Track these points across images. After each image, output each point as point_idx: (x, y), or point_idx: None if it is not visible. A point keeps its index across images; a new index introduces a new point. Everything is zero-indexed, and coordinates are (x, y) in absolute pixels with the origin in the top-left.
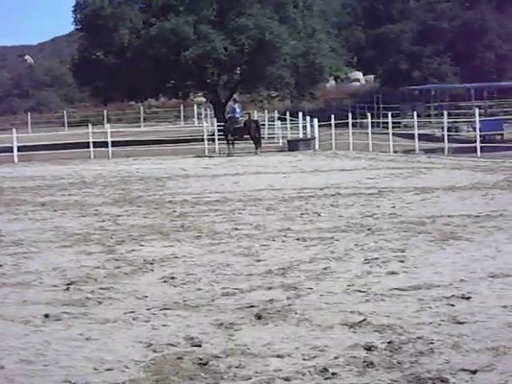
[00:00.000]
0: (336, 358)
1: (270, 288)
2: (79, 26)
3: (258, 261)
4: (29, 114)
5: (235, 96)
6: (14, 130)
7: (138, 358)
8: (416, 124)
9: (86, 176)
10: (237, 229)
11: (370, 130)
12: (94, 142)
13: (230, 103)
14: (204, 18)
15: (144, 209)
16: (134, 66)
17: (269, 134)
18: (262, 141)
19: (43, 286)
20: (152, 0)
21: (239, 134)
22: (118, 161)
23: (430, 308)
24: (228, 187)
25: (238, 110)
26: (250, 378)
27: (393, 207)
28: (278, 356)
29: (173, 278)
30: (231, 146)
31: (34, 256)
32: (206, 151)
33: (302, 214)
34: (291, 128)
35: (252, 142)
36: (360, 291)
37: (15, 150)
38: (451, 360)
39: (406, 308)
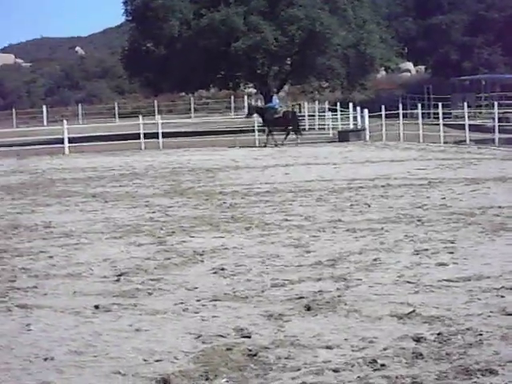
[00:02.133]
0: (385, 349)
1: (319, 279)
2: (130, 18)
3: (308, 252)
4: (80, 105)
5: (275, 89)
6: (64, 122)
7: (188, 349)
8: (466, 115)
9: (136, 167)
10: (287, 220)
11: (420, 121)
12: (144, 134)
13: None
14: (254, 9)
15: (194, 200)
16: (185, 57)
17: (319, 124)
18: (313, 131)
19: (93, 278)
20: None
21: (278, 124)
22: (168, 152)
23: (480, 299)
24: (278, 178)
25: (277, 101)
26: (299, 369)
27: (443, 198)
28: (327, 347)
29: (223, 269)
30: (270, 137)
31: (85, 247)
32: (257, 142)
33: (351, 204)
34: (342, 119)
35: (293, 132)
36: (409, 282)
37: (66, 141)
38: (500, 351)
39: (456, 299)
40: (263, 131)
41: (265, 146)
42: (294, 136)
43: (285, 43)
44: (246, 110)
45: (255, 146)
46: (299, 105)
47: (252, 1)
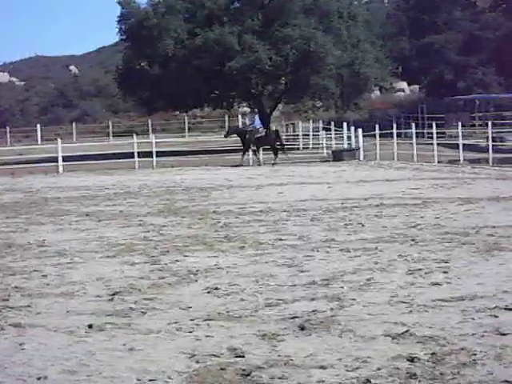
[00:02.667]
0: (379, 369)
1: (313, 299)
2: (124, 37)
3: (302, 271)
4: (74, 123)
5: (253, 107)
6: (59, 140)
7: (182, 369)
8: (460, 134)
9: (130, 186)
10: (281, 239)
11: (414, 140)
12: (138, 153)
13: (249, 115)
14: (248, 29)
15: (188, 219)
16: (179, 77)
17: (313, 144)
18: (307, 151)
19: (87, 297)
20: (196, 10)
21: (261, 143)
22: (162, 171)
23: (473, 319)
24: (272, 197)
25: (257, 121)
26: None
27: (437, 218)
28: (321, 367)
29: (216, 288)
30: (247, 156)
31: (78, 266)
32: (251, 162)
33: (346, 224)
34: (336, 138)
35: (280, 151)
36: (403, 302)
37: (60, 159)
38: (494, 371)
39: (449, 319)
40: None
41: (240, 166)
42: (276, 155)
43: (279, 63)
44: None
45: (249, 166)
46: (293, 124)
47: (246, 20)
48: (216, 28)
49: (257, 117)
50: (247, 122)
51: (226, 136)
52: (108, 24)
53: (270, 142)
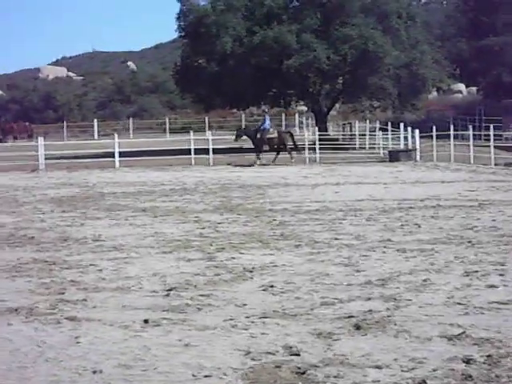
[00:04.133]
0: (434, 370)
1: (369, 298)
2: (182, 33)
3: (358, 271)
4: (131, 119)
5: (264, 107)
6: (115, 136)
7: (237, 366)
8: None
9: (187, 182)
10: (337, 238)
11: (471, 142)
12: (195, 149)
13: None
14: (307, 27)
15: (244, 217)
16: (237, 74)
17: (370, 144)
18: (363, 151)
19: (143, 292)
20: (255, 8)
21: (272, 144)
22: (218, 168)
23: None
24: (328, 196)
25: (268, 122)
26: None
27: (493, 220)
28: (377, 367)
29: (272, 286)
30: (258, 156)
31: (134, 261)
32: (307, 160)
33: (402, 225)
34: (392, 139)
35: (294, 151)
36: (459, 304)
37: (117, 155)
38: None
39: (506, 321)
40: (314, 149)
41: (253, 166)
42: (295, 154)
43: (337, 62)
44: (296, 128)
45: (305, 165)
46: (350, 124)
47: (305, 19)
48: (274, 26)
49: (267, 117)
50: (304, 121)
51: (235, 140)
52: (166, 21)
53: (283, 142)
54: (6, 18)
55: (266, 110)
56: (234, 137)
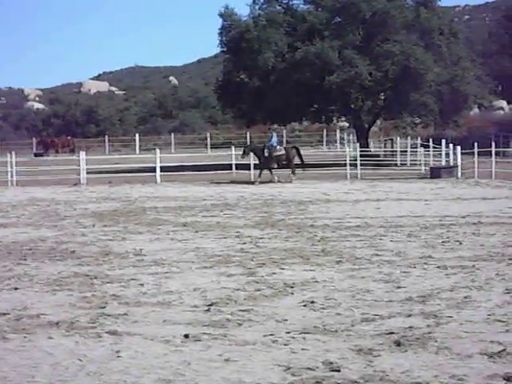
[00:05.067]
0: None
1: (409, 315)
2: (224, 49)
3: (399, 287)
4: (172, 134)
5: (272, 126)
6: (157, 150)
7: (277, 381)
8: None
9: (228, 198)
10: (377, 255)
11: None
12: (236, 164)
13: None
14: (349, 43)
15: (285, 232)
16: (278, 90)
17: (411, 160)
18: (405, 167)
19: (183, 306)
20: (297, 24)
21: (280, 161)
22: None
23: None
24: (369, 213)
25: (274, 139)
26: None
27: None
28: (417, 383)
29: (313, 302)
30: (264, 173)
31: (175, 276)
32: (348, 176)
33: (443, 241)
34: (434, 155)
35: (300, 167)
36: (500, 321)
37: (158, 169)
38: None
39: None
40: (355, 165)
41: (253, 183)
42: (294, 172)
43: (379, 78)
44: (337, 144)
45: (346, 181)
46: (391, 140)
47: (347, 35)
48: (316, 42)
49: (274, 134)
50: (345, 137)
51: (243, 156)
52: (208, 36)
53: (290, 158)
54: (49, 33)
55: (273, 128)
56: (241, 153)
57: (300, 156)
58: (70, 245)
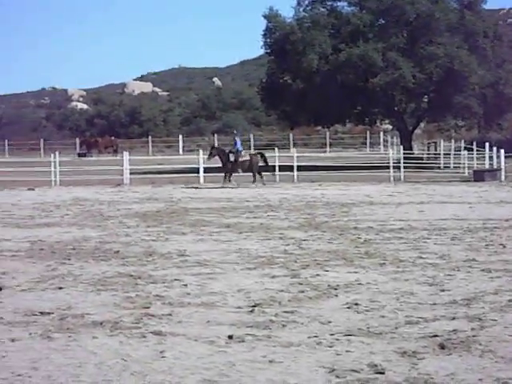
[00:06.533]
0: None
1: (453, 318)
2: (268, 50)
3: (443, 290)
4: (215, 135)
5: (235, 130)
6: (200, 151)
7: (321, 383)
8: None
9: (271, 199)
10: (421, 257)
11: None
12: (279, 166)
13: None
14: (393, 46)
15: (329, 234)
16: (322, 92)
17: (455, 163)
18: (448, 170)
19: (227, 307)
20: (341, 26)
21: (244, 166)
22: (302, 185)
23: None
24: (413, 215)
25: (239, 143)
26: None
27: None
28: None
29: (357, 304)
30: (230, 178)
31: (219, 277)
32: (392, 179)
33: (487, 244)
34: (477, 158)
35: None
36: None
37: (201, 170)
38: None
39: None
40: (398, 168)
41: (222, 187)
42: (261, 176)
43: (422, 80)
44: (381, 147)
45: (390, 183)
46: (435, 143)
47: (391, 37)
48: (360, 44)
49: (237, 139)
50: (388, 140)
51: (208, 158)
52: (252, 37)
53: (254, 165)
54: (93, 33)
55: (235, 132)
56: (207, 154)
57: (265, 160)
58: (113, 245)
